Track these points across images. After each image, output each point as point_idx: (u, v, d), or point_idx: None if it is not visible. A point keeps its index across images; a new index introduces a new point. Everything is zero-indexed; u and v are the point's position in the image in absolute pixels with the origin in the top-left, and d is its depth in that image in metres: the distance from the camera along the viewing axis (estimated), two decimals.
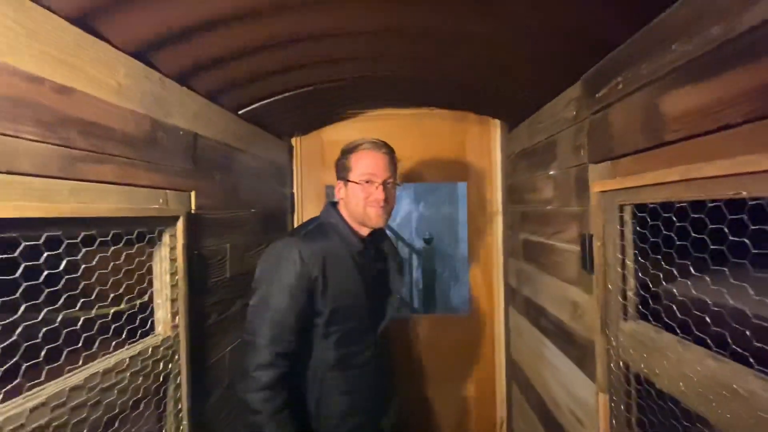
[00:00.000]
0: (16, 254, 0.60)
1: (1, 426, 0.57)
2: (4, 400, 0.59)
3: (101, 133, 0.77)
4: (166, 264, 0.98)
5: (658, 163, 0.72)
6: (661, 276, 0.77)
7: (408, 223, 5.76)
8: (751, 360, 0.56)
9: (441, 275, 4.48)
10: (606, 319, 0.93)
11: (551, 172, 1.26)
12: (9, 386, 0.60)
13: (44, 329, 0.65)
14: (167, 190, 0.97)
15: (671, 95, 0.69)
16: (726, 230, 0.58)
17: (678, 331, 0.72)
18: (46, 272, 0.64)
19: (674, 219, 0.69)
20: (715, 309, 0.64)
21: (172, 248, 1.00)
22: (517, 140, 1.65)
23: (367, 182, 1.08)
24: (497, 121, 1.89)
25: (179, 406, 1.01)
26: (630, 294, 0.87)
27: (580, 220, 1.06)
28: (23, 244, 0.61)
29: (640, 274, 0.84)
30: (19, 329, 0.61)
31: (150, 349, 0.91)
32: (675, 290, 0.73)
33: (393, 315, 1.22)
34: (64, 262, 0.67)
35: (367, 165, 1.09)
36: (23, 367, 0.61)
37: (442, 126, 1.97)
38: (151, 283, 0.97)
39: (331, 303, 1.04)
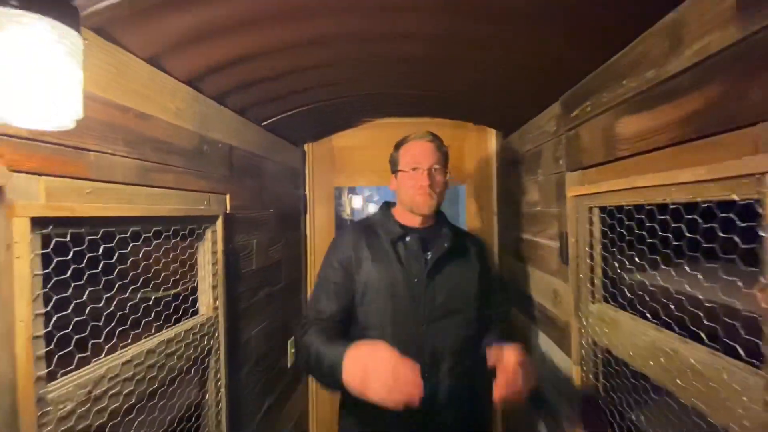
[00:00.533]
0: (113, 244, 0.78)
1: (104, 374, 0.75)
2: (109, 353, 0.78)
3: (165, 148, 0.95)
4: (208, 256, 1.16)
5: (613, 174, 0.89)
6: (619, 265, 0.94)
7: None
8: (675, 327, 0.74)
9: None
10: (578, 303, 1.10)
11: (538, 178, 1.44)
12: (109, 344, 0.78)
13: (129, 304, 0.83)
14: (210, 194, 1.15)
15: (622, 121, 0.86)
16: (684, 227, 0.75)
17: (629, 309, 0.89)
18: (131, 259, 0.82)
19: (624, 219, 0.87)
20: (653, 289, 0.81)
21: (213, 242, 1.18)
22: (510, 148, 1.83)
23: (413, 170, 1.14)
24: (493, 130, 2.06)
25: (218, 376, 1.19)
26: (597, 281, 1.04)
27: (559, 219, 1.23)
28: (118, 236, 0.79)
29: (604, 265, 1.01)
30: (114, 303, 0.79)
31: (198, 326, 1.09)
32: (626, 276, 0.90)
33: (456, 342, 1.13)
34: (142, 252, 0.85)
35: (412, 154, 1.15)
36: (117, 332, 0.79)
37: (443, 133, 2.10)
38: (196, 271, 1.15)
39: (362, 280, 1.13)
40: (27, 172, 0.61)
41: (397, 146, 1.23)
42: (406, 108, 1.84)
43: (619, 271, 0.94)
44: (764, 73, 0.52)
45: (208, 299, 1.16)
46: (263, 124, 1.58)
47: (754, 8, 0.54)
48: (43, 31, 0.50)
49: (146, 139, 0.88)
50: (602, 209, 1.01)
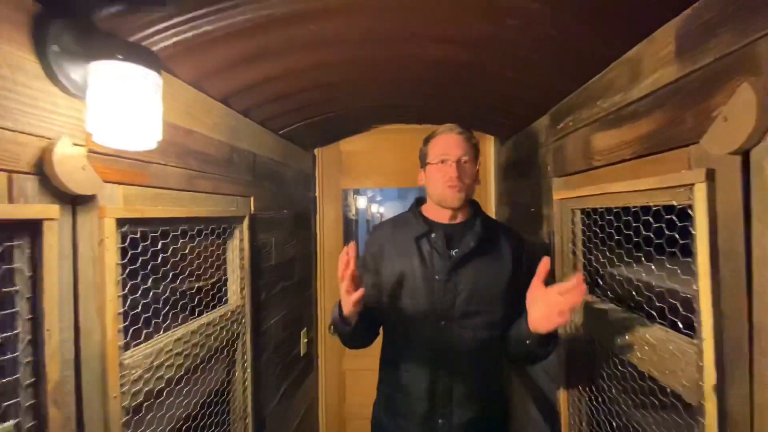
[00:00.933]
0: (168, 240, 0.93)
1: (162, 348, 0.91)
2: (165, 331, 0.94)
3: (204, 158, 1.10)
4: (236, 251, 1.31)
5: (589, 181, 1.04)
6: (595, 259, 1.09)
7: None
8: (631, 304, 0.88)
9: None
10: None
11: (530, 182, 1.58)
12: (165, 324, 0.93)
13: (179, 291, 0.99)
14: (238, 197, 1.31)
15: (596, 136, 1.01)
16: (642, 227, 0.90)
17: (601, 294, 1.04)
18: (180, 254, 0.98)
19: (598, 219, 1.02)
20: (620, 278, 0.96)
21: (241, 240, 1.33)
22: (506, 153, 1.97)
23: (441, 162, 1.09)
24: (491, 136, 2.21)
25: (245, 358, 1.34)
26: (580, 269, 1.18)
27: (548, 220, 1.38)
28: (171, 234, 0.94)
29: (584, 259, 1.16)
30: (168, 290, 0.94)
31: (229, 313, 1.25)
32: (600, 268, 1.05)
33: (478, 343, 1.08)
34: (188, 248, 1.01)
35: (441, 146, 1.10)
36: (170, 314, 0.95)
37: None
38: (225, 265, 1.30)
39: (385, 276, 1.13)
40: (112, 182, 0.77)
41: (426, 140, 1.17)
42: (409, 116, 1.99)
43: (595, 264, 1.09)
44: (694, 105, 0.67)
45: (236, 290, 1.32)
46: (280, 132, 1.73)
47: (687, 54, 0.69)
48: (138, 75, 0.66)
49: (190, 151, 1.04)
50: (582, 211, 1.16)
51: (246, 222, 1.35)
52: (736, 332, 0.59)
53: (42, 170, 0.64)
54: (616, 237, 0.94)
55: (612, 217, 0.95)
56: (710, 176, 0.63)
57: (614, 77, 0.93)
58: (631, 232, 0.87)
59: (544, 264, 0.88)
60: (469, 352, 1.08)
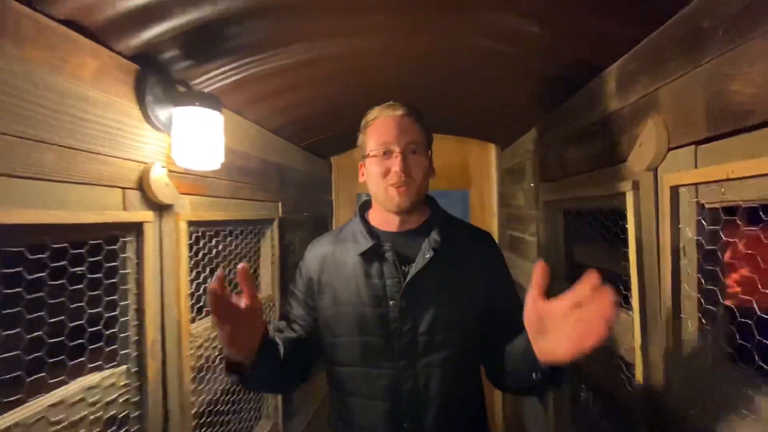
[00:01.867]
0: (220, 237, 1.18)
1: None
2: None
3: (244, 171, 1.35)
4: (268, 248, 1.56)
5: (565, 187, 1.25)
6: (573, 251, 1.29)
7: None
8: None
9: None
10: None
11: (523, 186, 1.79)
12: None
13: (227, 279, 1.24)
14: (269, 202, 1.56)
15: (568, 149, 1.22)
16: (601, 224, 1.11)
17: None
18: (228, 249, 1.23)
19: (579, 219, 1.22)
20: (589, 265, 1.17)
21: (271, 239, 1.58)
22: (505, 160, 2.18)
23: (383, 155, 0.81)
24: (493, 144, 2.42)
25: None
26: (560, 265, 1.39)
27: (536, 219, 1.58)
28: (223, 234, 1.20)
29: (562, 252, 1.36)
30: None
31: (264, 300, 1.49)
32: (576, 258, 1.25)
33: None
34: (233, 245, 1.26)
35: (380, 133, 0.82)
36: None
37: (449, 146, 2.50)
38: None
39: (325, 308, 0.86)
40: (183, 193, 1.02)
41: (364, 126, 0.88)
42: None
43: (574, 256, 1.29)
44: (627, 132, 0.88)
45: (269, 281, 1.57)
46: (302, 145, 1.98)
47: (623, 92, 0.90)
48: (208, 116, 0.91)
49: (234, 166, 1.29)
50: (563, 211, 1.37)
51: (275, 224, 1.60)
52: (653, 304, 0.80)
53: (141, 186, 0.89)
54: (588, 232, 1.14)
55: (583, 218, 1.15)
56: (635, 186, 0.84)
57: (578, 104, 1.14)
58: (595, 228, 1.07)
59: (540, 271, 0.61)
60: (438, 397, 0.80)
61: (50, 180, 0.68)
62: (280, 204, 1.66)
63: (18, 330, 0.63)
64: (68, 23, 0.72)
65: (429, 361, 0.81)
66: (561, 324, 0.59)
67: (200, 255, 1.10)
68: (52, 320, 0.68)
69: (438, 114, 1.81)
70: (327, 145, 2.25)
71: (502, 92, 1.37)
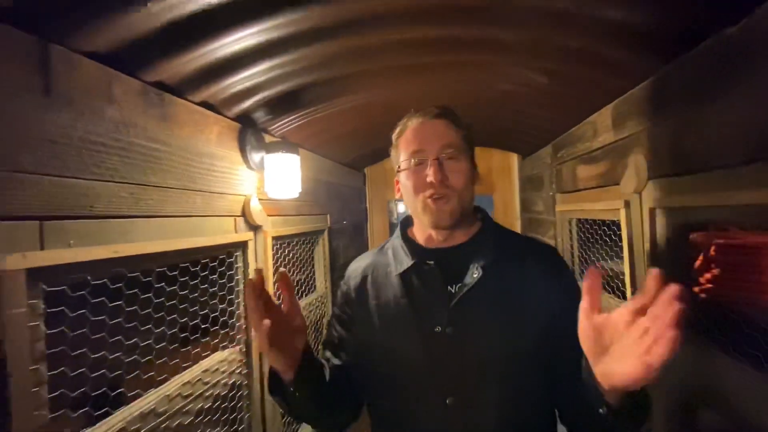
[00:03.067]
0: (289, 247, 1.49)
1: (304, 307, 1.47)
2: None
3: (304, 191, 1.65)
4: (320, 254, 1.87)
5: (576, 199, 1.48)
6: (586, 256, 1.52)
7: None
8: (612, 292, 1.32)
9: None
10: None
11: (542, 194, 2.02)
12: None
13: (294, 280, 1.55)
14: (321, 215, 1.86)
15: (579, 167, 1.45)
16: (603, 233, 1.34)
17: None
18: (294, 255, 1.54)
19: (587, 226, 1.46)
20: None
21: (323, 246, 1.88)
22: (525, 169, 2.40)
23: (417, 164, 0.73)
24: (515, 154, 2.64)
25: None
26: (576, 268, 1.62)
27: (553, 225, 1.81)
28: (291, 243, 1.50)
29: (576, 255, 1.59)
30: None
31: (318, 297, 1.80)
32: (590, 263, 1.49)
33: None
34: (296, 252, 1.57)
35: (412, 141, 0.75)
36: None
37: (475, 155, 2.74)
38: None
39: (362, 328, 0.77)
40: (269, 216, 1.33)
41: (395, 138, 0.81)
42: None
43: (585, 258, 1.52)
44: (620, 160, 1.11)
45: (322, 281, 1.87)
46: (343, 162, 2.28)
47: (617, 128, 1.13)
48: (290, 158, 1.21)
49: (304, 190, 1.59)
50: (577, 220, 1.60)
51: (326, 233, 1.90)
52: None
53: (244, 213, 1.20)
54: (594, 240, 1.38)
55: (588, 226, 1.39)
56: (627, 205, 1.07)
57: (585, 131, 1.37)
58: (599, 236, 1.31)
59: (592, 278, 0.51)
60: None
61: (198, 216, 1.00)
62: (328, 216, 1.96)
63: (173, 316, 0.94)
64: (203, 104, 1.03)
65: (482, 398, 0.68)
66: (624, 338, 0.47)
67: (278, 261, 1.40)
68: (202, 312, 1.00)
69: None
70: (362, 159, 2.54)
71: (521, 118, 1.61)
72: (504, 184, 2.72)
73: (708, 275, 0.93)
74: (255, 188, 1.26)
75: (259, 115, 1.23)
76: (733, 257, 0.83)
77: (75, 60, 0.69)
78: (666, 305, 0.44)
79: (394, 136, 0.81)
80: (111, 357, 0.75)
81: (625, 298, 1.13)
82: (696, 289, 0.92)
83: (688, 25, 0.74)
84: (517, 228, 2.67)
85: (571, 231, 1.62)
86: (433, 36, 0.96)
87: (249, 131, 1.22)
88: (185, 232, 0.94)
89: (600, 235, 1.34)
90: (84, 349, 0.69)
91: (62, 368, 0.65)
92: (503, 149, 2.62)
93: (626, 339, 0.47)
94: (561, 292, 0.71)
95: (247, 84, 1.03)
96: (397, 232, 0.83)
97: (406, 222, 0.85)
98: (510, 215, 2.71)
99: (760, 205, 0.64)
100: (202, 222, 1.01)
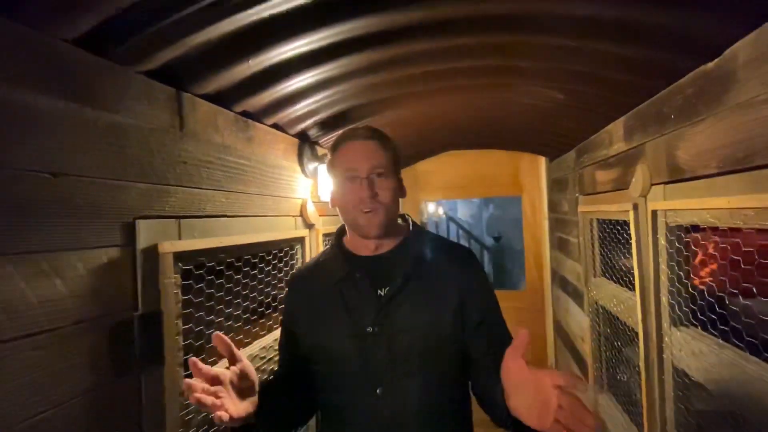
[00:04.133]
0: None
1: None
2: None
3: None
4: None
5: (595, 201, 1.63)
6: (605, 252, 1.67)
7: (479, 222, 6.61)
8: (619, 279, 1.47)
9: (509, 269, 5.29)
10: (586, 277, 1.83)
11: (566, 196, 2.16)
12: None
13: None
14: None
15: (597, 172, 1.60)
16: (619, 230, 1.49)
17: (615, 279, 1.62)
18: None
19: (605, 226, 1.61)
20: (617, 265, 1.54)
21: None
22: (552, 171, 2.54)
23: (349, 179, 0.82)
24: (542, 157, 2.77)
25: None
26: (597, 262, 1.76)
27: (576, 225, 1.96)
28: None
29: (597, 252, 1.74)
30: None
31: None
32: (609, 259, 1.63)
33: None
34: None
35: (346, 159, 0.83)
36: None
37: (501, 155, 2.89)
38: None
39: (305, 339, 0.86)
40: (320, 215, 1.57)
41: (332, 149, 0.88)
42: (470, 142, 2.65)
43: (604, 255, 1.66)
44: (630, 167, 1.26)
45: None
46: None
47: (627, 139, 1.28)
48: None
49: None
50: (598, 220, 1.74)
51: None
52: (647, 285, 1.19)
53: (301, 213, 1.45)
54: (617, 237, 1.53)
55: (608, 225, 1.54)
56: (635, 207, 1.23)
57: (603, 139, 1.52)
58: (614, 232, 1.46)
59: (522, 337, 0.61)
60: (422, 424, 0.80)
61: (270, 216, 1.26)
62: None
63: (253, 295, 1.20)
64: (273, 126, 1.29)
65: (407, 386, 0.79)
66: (530, 393, 0.59)
67: None
68: (272, 292, 1.26)
69: (495, 136, 2.24)
70: None
71: (545, 126, 1.77)
72: (532, 185, 2.86)
73: (707, 269, 1.08)
74: (309, 193, 1.51)
75: (314, 132, 1.48)
76: (730, 253, 0.97)
77: (196, 102, 0.96)
78: (582, 413, 0.53)
79: (331, 146, 0.88)
80: (217, 320, 1.01)
81: (635, 291, 1.29)
82: (696, 281, 1.07)
83: (673, 59, 0.90)
84: (545, 227, 2.80)
85: (592, 231, 1.76)
86: (466, 66, 1.17)
87: (305, 145, 1.47)
88: (262, 228, 1.20)
89: (614, 234, 1.49)
90: (201, 312, 0.96)
91: (189, 324, 0.92)
92: (531, 152, 2.76)
93: (539, 397, 0.57)
94: (475, 294, 0.84)
95: (306, 110, 1.28)
96: (334, 240, 0.92)
97: (341, 231, 0.93)
98: (538, 215, 2.84)
99: (730, 209, 0.80)
100: (273, 220, 1.27)
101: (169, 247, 0.84)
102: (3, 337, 0.58)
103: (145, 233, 0.80)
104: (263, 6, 0.77)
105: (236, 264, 1.09)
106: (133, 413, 0.77)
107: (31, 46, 0.64)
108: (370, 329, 0.80)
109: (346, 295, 0.83)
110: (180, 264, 0.88)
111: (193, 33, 0.78)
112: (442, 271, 0.85)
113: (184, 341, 0.89)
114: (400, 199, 0.86)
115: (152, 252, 0.81)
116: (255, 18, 0.80)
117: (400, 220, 0.91)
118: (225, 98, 1.04)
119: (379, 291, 0.83)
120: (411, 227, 0.91)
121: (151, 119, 0.84)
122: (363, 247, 0.87)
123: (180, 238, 0.88)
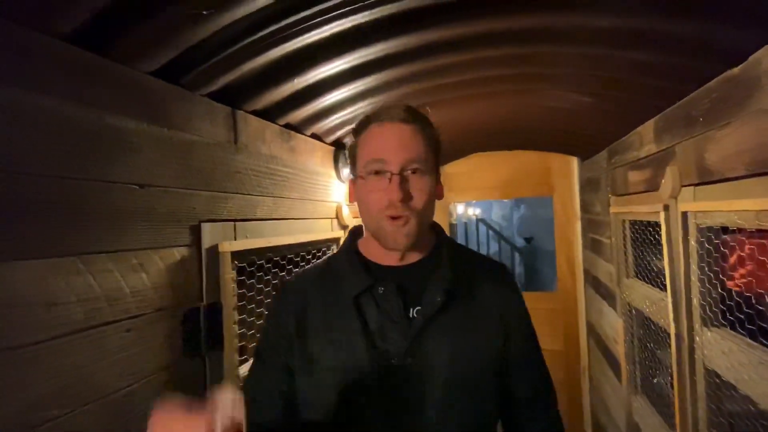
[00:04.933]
0: None
1: None
2: None
3: None
4: None
5: (627, 202, 1.64)
6: (638, 254, 1.67)
7: (510, 223, 6.55)
8: (651, 280, 1.48)
9: (541, 270, 5.22)
10: (619, 278, 1.83)
11: (599, 196, 2.16)
12: None
13: None
14: None
15: (629, 173, 1.61)
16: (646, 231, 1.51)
17: (647, 280, 1.63)
18: None
19: (637, 226, 1.62)
20: (649, 266, 1.55)
21: None
22: (584, 171, 2.53)
23: (376, 174, 0.65)
24: (574, 157, 2.76)
25: None
26: (629, 263, 1.77)
27: (609, 225, 1.96)
28: None
29: (629, 253, 1.74)
30: None
31: None
32: (641, 260, 1.64)
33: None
34: None
35: (373, 146, 0.66)
36: None
37: (531, 155, 2.89)
38: None
39: (307, 371, 0.67)
40: (354, 217, 1.68)
41: (356, 131, 0.71)
42: (499, 143, 2.68)
43: (636, 257, 1.67)
44: (660, 169, 1.28)
45: None
46: None
47: (657, 141, 1.30)
48: None
49: None
50: (630, 221, 1.74)
51: None
52: (678, 286, 1.21)
53: (337, 216, 1.56)
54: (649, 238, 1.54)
55: (641, 226, 1.55)
56: (666, 209, 1.25)
57: (633, 140, 1.54)
58: (647, 235, 1.48)
59: None
60: None
61: (310, 218, 1.37)
62: None
63: None
64: (312, 135, 1.41)
65: (443, 427, 0.64)
66: None
67: None
68: None
69: (524, 138, 2.27)
70: None
71: (575, 128, 1.80)
72: (563, 185, 2.85)
73: (742, 271, 1.09)
74: (344, 196, 1.62)
75: (345, 139, 1.59)
76: (758, 254, 0.98)
77: (248, 118, 1.09)
78: None
79: (355, 128, 0.70)
80: (265, 312, 1.13)
81: (666, 292, 1.30)
82: (731, 284, 1.08)
83: (700, 65, 0.93)
84: (578, 228, 2.78)
85: (624, 231, 1.77)
86: (494, 74, 1.23)
87: (340, 152, 1.58)
88: (303, 229, 1.32)
89: (646, 235, 1.50)
90: (252, 305, 1.08)
91: (242, 315, 1.05)
92: (563, 153, 2.76)
93: None
94: (518, 320, 0.73)
95: (342, 119, 1.39)
96: (346, 244, 0.74)
97: (356, 233, 0.75)
98: (569, 215, 2.83)
99: (756, 211, 0.83)
100: (312, 223, 1.39)
101: (228, 246, 0.96)
102: (106, 320, 0.72)
103: (209, 234, 0.93)
104: (311, 33, 0.88)
105: (281, 262, 1.21)
106: (200, 389, 0.90)
107: (121, 79, 0.77)
108: (397, 361, 0.63)
109: (366, 315, 0.65)
110: (236, 262, 1.00)
111: (249, 59, 0.90)
112: (482, 292, 0.71)
113: (238, 330, 1.01)
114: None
115: (214, 251, 0.94)
116: (302, 44, 0.91)
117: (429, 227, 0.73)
118: (271, 113, 1.16)
119: (409, 312, 0.66)
120: (441, 234, 0.76)
121: (213, 135, 0.97)
122: (385, 255, 0.69)
123: (235, 239, 1.01)
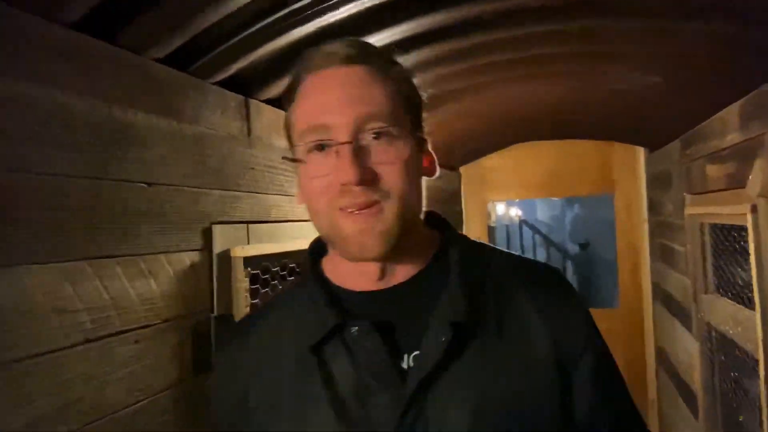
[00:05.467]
0: None
1: None
2: None
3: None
4: None
5: (704, 202, 1.60)
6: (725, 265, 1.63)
7: (561, 226, 6.41)
8: (737, 296, 1.44)
9: (598, 283, 5.09)
10: (696, 293, 1.78)
11: (670, 194, 2.11)
12: None
13: None
14: None
15: (707, 166, 1.57)
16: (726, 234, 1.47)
17: (731, 296, 1.58)
18: None
19: (719, 231, 1.58)
20: (740, 281, 1.51)
21: None
22: (652, 164, 2.48)
23: (318, 149, 0.49)
24: (640, 147, 2.70)
25: None
26: (709, 273, 1.72)
27: (682, 230, 1.91)
28: None
29: (708, 263, 1.70)
30: None
31: None
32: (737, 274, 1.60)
33: None
34: None
35: (307, 110, 0.51)
36: None
37: (590, 146, 2.84)
38: None
39: None
40: None
41: (287, 94, 0.54)
42: (546, 132, 2.66)
43: (718, 268, 1.62)
44: (747, 161, 1.25)
45: None
46: (444, 165, 2.63)
47: (742, 128, 1.27)
48: None
49: None
50: (710, 225, 1.70)
51: None
52: None
53: None
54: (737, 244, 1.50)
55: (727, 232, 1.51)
56: (753, 209, 1.21)
57: (713, 127, 1.50)
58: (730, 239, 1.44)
59: None
60: None
61: None
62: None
63: None
64: None
65: None
66: None
67: None
68: None
69: (578, 125, 2.25)
70: (458, 158, 2.85)
71: (640, 113, 1.77)
72: (627, 181, 2.79)
73: None
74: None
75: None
76: None
77: (261, 108, 1.14)
78: None
79: (285, 99, 0.55)
80: None
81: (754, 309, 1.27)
82: None
83: None
84: (644, 232, 2.72)
85: (702, 237, 1.72)
86: (541, 53, 1.24)
87: None
88: None
89: (730, 242, 1.46)
90: None
91: None
92: (626, 142, 2.70)
93: None
94: (577, 344, 0.53)
95: None
96: (306, 266, 0.61)
97: (316, 249, 0.60)
98: (635, 217, 2.77)
99: None
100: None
101: (240, 251, 1.01)
102: (113, 330, 0.77)
103: (220, 238, 0.98)
104: (331, 14, 0.91)
105: (297, 270, 1.25)
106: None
107: (130, 68, 0.83)
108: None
109: (335, 372, 0.50)
110: (249, 269, 1.05)
111: (264, 44, 0.94)
112: (521, 314, 0.52)
113: None
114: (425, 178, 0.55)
115: (225, 256, 0.99)
116: (320, 25, 0.94)
117: (423, 223, 0.58)
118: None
119: (402, 361, 0.50)
120: (447, 232, 0.59)
121: (224, 127, 1.02)
122: (359, 275, 0.53)
123: (248, 243, 1.06)
